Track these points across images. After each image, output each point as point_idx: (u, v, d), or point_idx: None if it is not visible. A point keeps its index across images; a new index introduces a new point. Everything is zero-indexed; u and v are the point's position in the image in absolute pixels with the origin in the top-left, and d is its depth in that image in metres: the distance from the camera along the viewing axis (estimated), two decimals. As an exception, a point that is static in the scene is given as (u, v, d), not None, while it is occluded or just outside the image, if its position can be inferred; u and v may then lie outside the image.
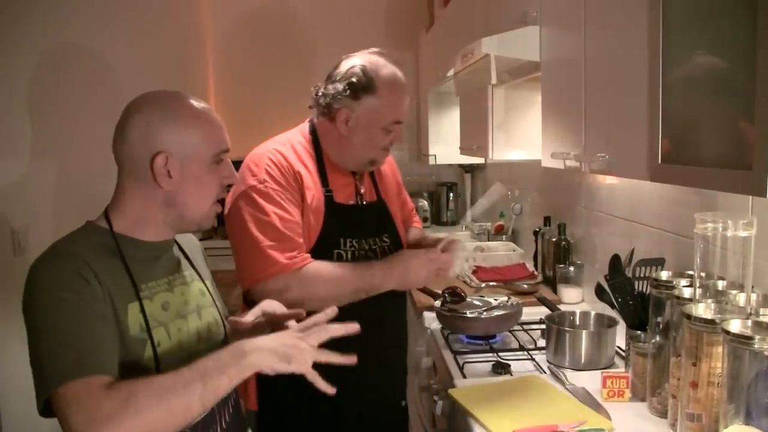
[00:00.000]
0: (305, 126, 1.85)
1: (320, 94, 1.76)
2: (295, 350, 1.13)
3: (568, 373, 1.81)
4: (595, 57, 1.63)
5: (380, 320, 1.81)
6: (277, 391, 1.78)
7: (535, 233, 3.00)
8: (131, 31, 3.12)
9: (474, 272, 2.99)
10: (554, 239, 2.74)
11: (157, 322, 1.20)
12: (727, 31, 1.09)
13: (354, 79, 1.70)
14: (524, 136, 2.49)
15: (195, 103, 1.25)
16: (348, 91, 1.70)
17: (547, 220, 2.93)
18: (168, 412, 1.02)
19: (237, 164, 4.49)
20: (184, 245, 1.38)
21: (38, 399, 1.06)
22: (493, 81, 2.06)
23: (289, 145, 1.79)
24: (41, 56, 2.23)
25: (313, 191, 1.75)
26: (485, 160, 4.06)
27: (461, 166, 4.59)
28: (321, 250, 1.74)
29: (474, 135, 2.78)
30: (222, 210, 1.34)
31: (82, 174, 2.44)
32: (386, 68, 1.72)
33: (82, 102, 2.50)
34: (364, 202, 1.86)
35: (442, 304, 2.24)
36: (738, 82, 1.04)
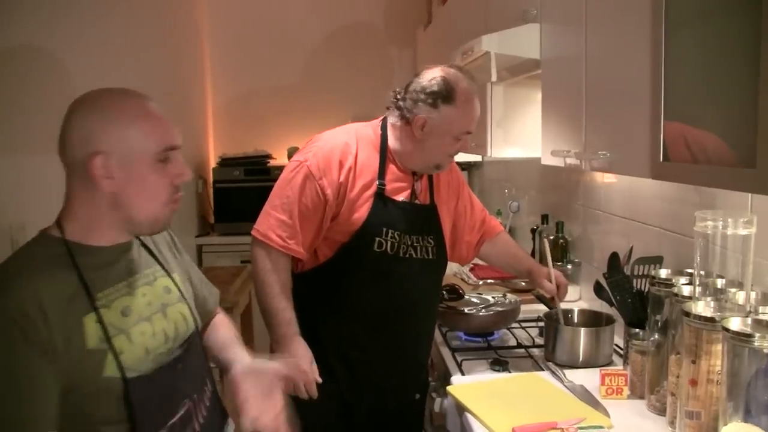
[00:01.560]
0: (378, 123, 1.96)
1: (400, 98, 1.88)
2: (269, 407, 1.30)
3: (566, 370, 1.81)
4: (597, 54, 1.63)
5: (411, 314, 1.94)
6: None
7: (533, 231, 3.01)
8: (128, 28, 3.10)
9: (472, 270, 2.99)
10: (552, 237, 2.75)
11: (116, 329, 1.16)
12: (730, 27, 1.09)
13: (436, 89, 1.81)
14: (523, 134, 2.50)
15: (137, 100, 1.20)
16: (429, 99, 1.81)
17: (544, 218, 2.93)
18: None
19: (243, 161, 4.44)
20: (148, 240, 1.34)
21: None
22: (494, 78, 2.06)
23: (354, 135, 1.91)
24: (37, 51, 2.21)
25: (365, 181, 1.86)
26: (482, 158, 4.06)
27: (459, 164, 4.58)
28: (364, 236, 1.84)
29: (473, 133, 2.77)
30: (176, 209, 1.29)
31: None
32: (464, 82, 1.83)
33: (68, 98, 2.49)
34: (417, 202, 1.95)
35: (441, 301, 2.25)
36: (741, 79, 1.04)
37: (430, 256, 1.95)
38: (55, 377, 1.09)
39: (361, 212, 1.85)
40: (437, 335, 2.23)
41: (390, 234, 1.87)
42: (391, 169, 1.92)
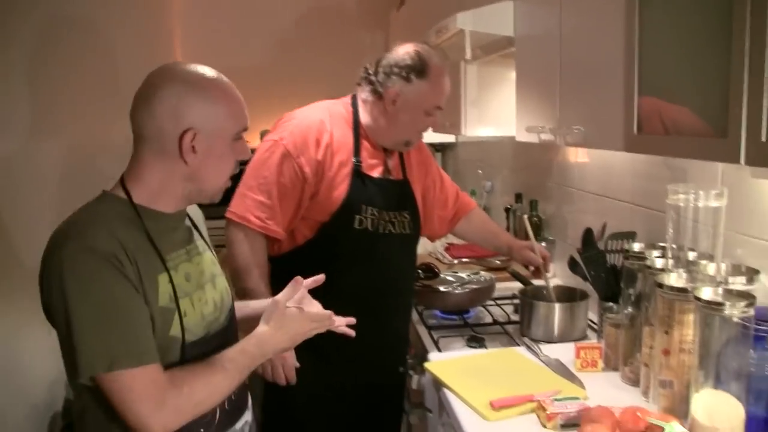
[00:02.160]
0: (348, 100, 1.96)
1: (371, 72, 1.89)
2: (305, 319, 1.34)
3: (542, 345, 1.83)
4: (571, 31, 1.64)
5: (393, 289, 1.97)
6: None
7: (507, 210, 3.03)
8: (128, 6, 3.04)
9: (446, 249, 3.01)
10: (526, 216, 2.76)
11: (183, 292, 1.21)
12: (702, 1, 1.10)
13: (409, 62, 1.83)
14: (497, 113, 2.51)
15: (222, 79, 1.24)
16: (403, 73, 1.82)
17: (518, 197, 2.95)
18: (215, 402, 1.21)
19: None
20: (192, 215, 1.38)
21: (76, 372, 1.09)
22: (468, 56, 2.07)
23: (327, 113, 1.91)
24: (36, 31, 2.17)
25: (342, 158, 1.86)
26: (456, 139, 4.07)
27: (432, 145, 4.59)
28: (344, 214, 1.84)
29: (446, 112, 2.76)
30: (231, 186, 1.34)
31: (79, 152, 2.40)
32: (436, 57, 1.86)
33: (79, 80, 2.45)
34: (391, 178, 1.96)
35: (416, 280, 2.26)
36: (713, 52, 1.06)
37: (407, 231, 1.98)
38: (147, 309, 1.15)
39: (340, 190, 1.84)
40: (413, 313, 2.24)
41: (369, 211, 1.87)
42: (365, 145, 1.92)
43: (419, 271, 2.29)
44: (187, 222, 1.34)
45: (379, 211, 1.89)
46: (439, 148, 4.59)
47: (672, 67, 1.20)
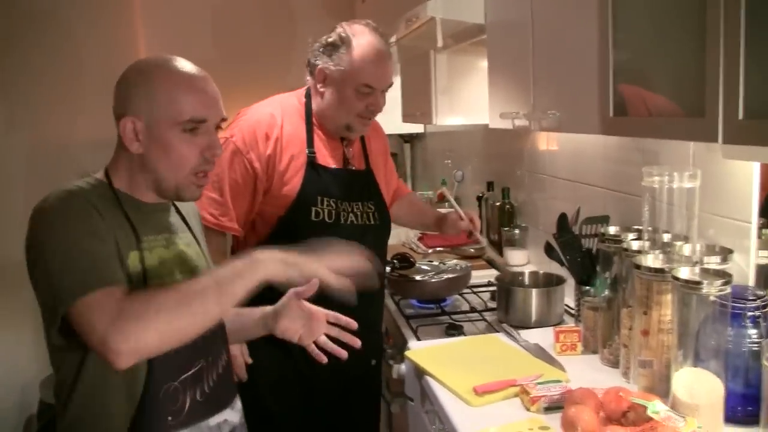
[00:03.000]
0: (303, 91, 1.93)
1: (309, 54, 1.87)
2: (306, 263, 1.22)
3: (520, 331, 1.84)
4: (543, 16, 1.64)
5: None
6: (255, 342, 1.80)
7: (479, 198, 3.04)
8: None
9: (420, 239, 3.01)
10: (498, 203, 2.78)
11: (154, 274, 1.20)
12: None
13: (331, 39, 1.81)
14: (468, 101, 2.51)
15: (181, 67, 1.22)
16: (326, 50, 1.81)
17: (490, 185, 2.97)
18: (187, 312, 1.07)
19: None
20: (183, 210, 1.38)
21: (51, 321, 1.10)
22: (440, 44, 2.06)
23: (279, 106, 1.88)
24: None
25: (294, 151, 1.83)
26: (425, 129, 4.07)
27: (401, 136, 4.59)
28: (299, 207, 1.82)
29: (417, 102, 2.78)
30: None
31: (52, 145, 2.35)
32: (368, 35, 1.81)
33: (47, 75, 2.39)
34: (351, 167, 1.93)
35: (392, 270, 2.25)
36: (688, 32, 1.07)
37: (372, 222, 1.94)
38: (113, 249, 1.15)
39: (294, 183, 1.82)
40: (390, 303, 2.24)
41: (326, 202, 1.84)
42: (319, 135, 1.89)
43: (394, 261, 2.29)
44: (173, 215, 1.33)
45: (337, 202, 1.86)
46: (407, 138, 4.58)
47: (646, 47, 1.21)
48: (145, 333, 1.03)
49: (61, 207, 1.13)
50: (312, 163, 1.84)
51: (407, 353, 1.77)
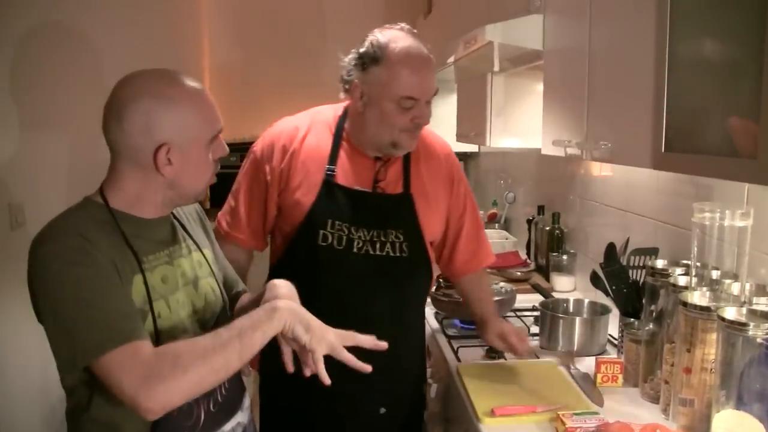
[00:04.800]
0: (342, 104, 1.78)
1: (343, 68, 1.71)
2: (319, 330, 1.20)
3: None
4: (600, 45, 1.65)
5: (368, 318, 1.63)
6: (276, 382, 1.75)
7: (529, 222, 3.03)
8: (124, 10, 3.09)
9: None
10: (548, 228, 2.77)
11: (158, 294, 1.22)
12: (734, 19, 1.11)
13: (362, 50, 1.64)
14: (522, 124, 2.51)
15: (190, 83, 1.23)
16: (359, 62, 1.64)
17: (540, 209, 2.95)
18: (211, 369, 1.11)
19: (239, 147, 4.47)
20: (180, 215, 1.39)
21: (68, 368, 1.13)
22: (496, 68, 2.07)
23: (309, 118, 1.78)
24: (29, 28, 2.20)
25: (311, 167, 1.70)
26: (479, 149, 4.08)
27: (456, 154, 4.61)
28: (307, 228, 1.69)
29: (472, 122, 2.79)
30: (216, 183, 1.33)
31: (77, 148, 2.44)
32: (401, 41, 1.61)
33: (73, 77, 2.49)
34: (379, 191, 1.72)
35: (437, 289, 2.26)
36: (744, 70, 1.06)
37: (398, 254, 1.70)
38: (128, 295, 1.16)
39: (306, 201, 1.68)
40: (434, 322, 2.25)
41: (336, 226, 1.67)
42: (348, 153, 1.72)
43: (440, 280, 2.30)
44: (172, 225, 1.33)
45: (350, 228, 1.67)
46: (461, 157, 4.59)
47: (702, 84, 1.20)
48: (174, 393, 1.08)
49: (58, 258, 1.12)
50: (329, 182, 1.68)
51: (459, 367, 1.80)
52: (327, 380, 1.20)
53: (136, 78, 1.21)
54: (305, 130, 1.74)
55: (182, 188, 1.24)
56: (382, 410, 1.76)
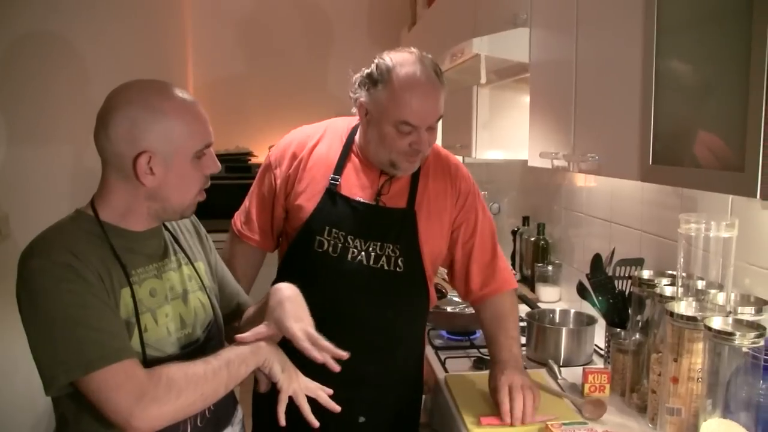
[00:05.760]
0: (357, 117, 1.77)
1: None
2: (292, 373, 1.31)
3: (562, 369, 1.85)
4: (587, 58, 1.67)
5: (354, 326, 1.69)
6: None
7: (513, 233, 3.05)
8: (107, 19, 3.08)
9: (452, 270, 3.02)
10: (533, 239, 2.79)
11: (145, 307, 1.22)
12: (720, 34, 1.13)
13: (369, 70, 1.65)
14: (508, 136, 2.53)
15: (180, 96, 1.23)
16: (364, 82, 1.66)
17: (525, 220, 2.98)
18: (201, 396, 1.17)
19: (224, 158, 4.41)
20: (174, 228, 1.39)
21: (53, 382, 1.12)
22: (483, 81, 2.09)
23: (324, 128, 1.82)
24: (13, 41, 2.19)
25: (317, 174, 1.74)
26: (463, 160, 4.09)
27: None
28: (305, 234, 1.72)
29: (457, 134, 2.81)
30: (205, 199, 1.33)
31: (63, 158, 2.42)
32: (407, 66, 1.60)
33: (60, 88, 2.47)
34: (381, 204, 1.73)
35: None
36: (731, 86, 1.08)
37: (391, 268, 1.70)
38: (117, 314, 1.18)
39: (308, 207, 1.72)
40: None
41: (333, 233, 1.70)
42: (355, 164, 1.75)
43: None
44: (163, 238, 1.33)
45: (346, 237, 1.70)
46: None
47: (689, 97, 1.23)
48: (166, 415, 1.13)
49: (46, 275, 1.12)
50: (331, 190, 1.72)
51: (447, 377, 1.81)
52: (314, 422, 1.30)
53: (127, 87, 1.21)
54: (317, 139, 1.79)
55: (167, 201, 1.24)
56: (362, 419, 1.75)
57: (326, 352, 1.26)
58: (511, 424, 1.50)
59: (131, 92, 1.20)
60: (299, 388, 1.29)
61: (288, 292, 1.33)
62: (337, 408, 1.32)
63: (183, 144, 1.20)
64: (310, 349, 1.24)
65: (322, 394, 1.32)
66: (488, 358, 1.88)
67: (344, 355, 1.29)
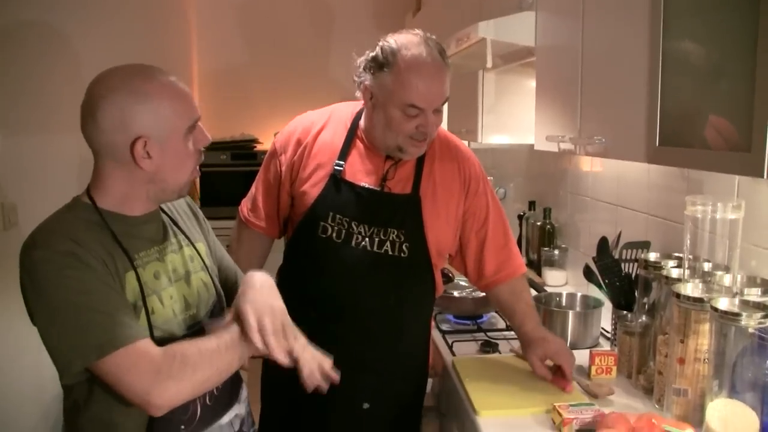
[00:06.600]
0: (361, 102, 1.76)
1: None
2: (304, 342, 1.29)
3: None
4: (593, 41, 1.67)
5: (357, 311, 1.71)
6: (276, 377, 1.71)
7: (520, 217, 3.05)
8: (110, 8, 3.08)
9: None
10: (539, 223, 2.79)
11: (150, 290, 1.23)
12: (727, 15, 1.13)
13: (373, 54, 1.64)
14: (514, 121, 2.53)
15: (161, 77, 1.22)
16: (369, 65, 1.64)
17: (531, 205, 2.98)
18: (216, 370, 1.19)
19: (229, 146, 4.39)
20: (171, 211, 1.40)
21: (66, 370, 1.13)
22: (489, 65, 2.09)
23: (329, 113, 1.82)
24: (14, 29, 2.19)
25: (321, 160, 1.73)
26: (469, 145, 4.09)
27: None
28: (309, 219, 1.72)
29: (463, 119, 2.81)
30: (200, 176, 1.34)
31: (69, 147, 2.43)
32: (412, 48, 1.59)
33: (63, 78, 2.48)
34: (386, 190, 1.72)
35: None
36: (737, 66, 1.08)
37: (396, 253, 1.70)
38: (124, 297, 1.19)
39: (312, 193, 1.72)
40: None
41: (337, 219, 1.70)
42: (360, 150, 1.74)
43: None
44: (162, 220, 1.34)
45: (350, 222, 1.70)
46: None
47: (695, 80, 1.22)
48: (184, 391, 1.15)
49: (49, 263, 1.13)
50: (335, 176, 1.71)
51: (455, 360, 1.82)
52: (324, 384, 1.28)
53: (109, 75, 1.21)
54: (321, 125, 1.78)
55: (165, 182, 1.25)
56: (366, 405, 1.75)
57: (273, 348, 1.21)
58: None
59: (114, 79, 1.19)
60: (310, 356, 1.27)
61: (255, 279, 1.30)
62: (337, 378, 1.29)
63: (174, 123, 1.21)
64: (257, 341, 1.20)
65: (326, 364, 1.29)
66: (495, 341, 1.99)
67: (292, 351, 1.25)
